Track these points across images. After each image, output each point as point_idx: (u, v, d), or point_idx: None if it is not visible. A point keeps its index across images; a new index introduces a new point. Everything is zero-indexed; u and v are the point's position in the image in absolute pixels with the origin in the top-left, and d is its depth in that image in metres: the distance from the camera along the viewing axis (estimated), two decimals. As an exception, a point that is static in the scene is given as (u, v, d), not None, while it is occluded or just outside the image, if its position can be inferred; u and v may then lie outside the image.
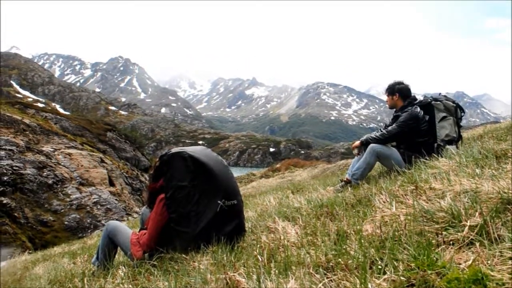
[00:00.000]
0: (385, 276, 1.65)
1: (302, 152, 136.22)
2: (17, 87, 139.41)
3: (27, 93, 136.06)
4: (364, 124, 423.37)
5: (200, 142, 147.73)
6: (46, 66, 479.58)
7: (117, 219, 20.91)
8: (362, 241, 2.13)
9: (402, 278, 1.61)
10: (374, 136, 5.33)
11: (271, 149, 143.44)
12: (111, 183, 26.23)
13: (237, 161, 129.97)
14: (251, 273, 1.96)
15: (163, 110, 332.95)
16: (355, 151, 5.60)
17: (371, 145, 5.20)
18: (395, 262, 1.76)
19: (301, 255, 2.10)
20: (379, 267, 1.74)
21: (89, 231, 19.43)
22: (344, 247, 2.06)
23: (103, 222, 20.60)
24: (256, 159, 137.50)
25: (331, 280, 1.70)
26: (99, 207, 21.93)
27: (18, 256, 12.48)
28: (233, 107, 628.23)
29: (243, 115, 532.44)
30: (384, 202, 2.99)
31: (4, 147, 21.67)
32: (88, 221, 20.20)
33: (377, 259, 1.83)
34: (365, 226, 2.45)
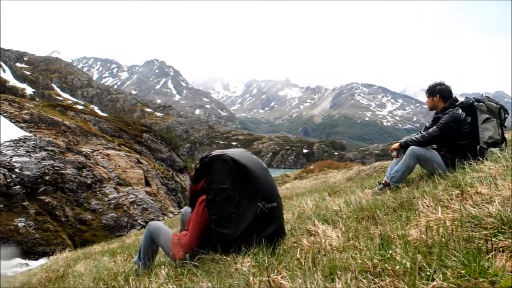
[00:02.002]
0: (434, 283, 1.61)
1: (336, 153, 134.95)
2: (58, 90, 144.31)
3: (67, 96, 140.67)
4: (400, 125, 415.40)
5: (234, 143, 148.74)
6: (85, 69, 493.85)
7: (152, 219, 21.32)
8: (408, 246, 2.09)
9: (452, 285, 1.57)
10: (414, 138, 5.21)
11: (305, 151, 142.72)
12: (147, 183, 26.74)
13: (270, 162, 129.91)
14: (294, 276, 1.95)
15: (197, 111, 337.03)
16: (394, 153, 5.49)
17: (411, 147, 5.09)
18: (443, 269, 1.71)
19: (344, 259, 2.08)
20: (428, 273, 1.70)
21: (126, 230, 19.85)
22: (390, 252, 2.02)
23: (139, 221, 21.03)
24: (289, 160, 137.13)
25: (378, 286, 1.67)
26: (135, 206, 22.40)
27: (59, 253, 12.85)
28: (266, 108, 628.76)
29: (276, 117, 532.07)
30: (428, 206, 2.92)
31: (46, 148, 22.45)
32: (125, 220, 20.65)
33: (425, 265, 1.78)
34: (409, 230, 2.40)
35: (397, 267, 1.80)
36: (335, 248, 2.42)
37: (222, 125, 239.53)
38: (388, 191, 4.69)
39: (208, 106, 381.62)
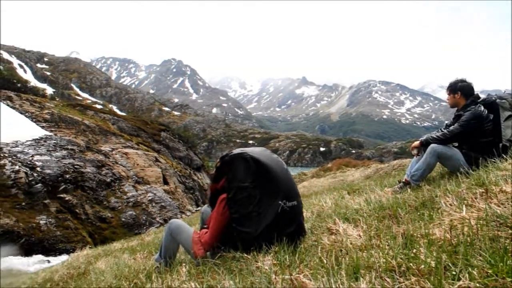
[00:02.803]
0: (460, 283, 1.58)
1: (353, 151, 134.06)
2: (77, 89, 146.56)
3: (86, 95, 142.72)
4: (418, 123, 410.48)
5: (250, 142, 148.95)
6: (103, 69, 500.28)
7: (171, 217, 21.49)
8: (432, 245, 2.06)
9: (478, 285, 1.54)
10: (435, 136, 5.13)
11: (322, 149, 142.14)
12: (165, 182, 26.95)
13: (287, 161, 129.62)
14: (317, 275, 1.94)
15: (214, 110, 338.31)
16: (414, 152, 5.42)
17: (432, 145, 5.01)
18: (469, 268, 1.68)
19: (367, 258, 2.06)
20: (453, 273, 1.67)
21: (144, 228, 20.03)
22: (414, 251, 1.99)
23: (157, 219, 21.22)
24: (306, 158, 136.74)
25: (403, 285, 1.65)
26: (154, 204, 22.60)
27: (79, 250, 13.03)
28: (283, 106, 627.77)
29: (293, 115, 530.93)
30: (451, 205, 2.87)
31: (66, 146, 22.80)
32: (144, 218, 20.85)
33: (450, 264, 1.76)
34: (433, 229, 2.37)
35: (422, 266, 1.77)
36: (357, 247, 2.40)
37: (239, 123, 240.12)
38: (408, 190, 4.63)
39: (225, 105, 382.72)
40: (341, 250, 2.37)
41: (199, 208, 26.46)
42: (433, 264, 1.79)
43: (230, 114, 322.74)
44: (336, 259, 2.13)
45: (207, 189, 35.85)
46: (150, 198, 22.88)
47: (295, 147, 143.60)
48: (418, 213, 2.96)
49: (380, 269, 1.83)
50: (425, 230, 2.37)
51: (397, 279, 1.73)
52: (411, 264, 1.82)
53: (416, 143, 5.37)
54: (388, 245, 2.27)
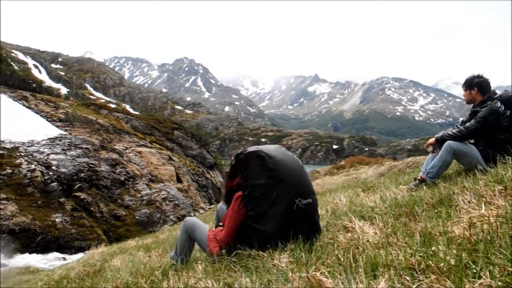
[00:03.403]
0: (481, 281, 1.56)
1: (366, 149, 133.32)
2: (91, 89, 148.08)
3: (100, 95, 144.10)
4: (432, 120, 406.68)
5: (263, 139, 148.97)
6: (116, 68, 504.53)
7: (184, 215, 21.60)
8: (451, 243, 2.03)
9: (499, 283, 1.52)
10: (451, 133, 5.06)
11: (334, 146, 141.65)
12: (179, 180, 27.08)
13: (300, 158, 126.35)
14: (335, 273, 1.93)
15: (226, 108, 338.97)
16: (430, 149, 5.36)
17: (448, 142, 4.94)
18: (490, 266, 1.66)
19: (385, 256, 2.04)
20: (474, 271, 1.65)
21: (158, 225, 20.16)
22: (432, 249, 1.97)
23: (171, 217, 21.34)
24: (319, 156, 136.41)
25: (423, 283, 1.63)
26: (167, 202, 22.72)
27: (95, 248, 13.16)
28: (296, 104, 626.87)
29: (306, 112, 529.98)
30: (469, 202, 2.83)
31: (80, 145, 23.04)
32: (158, 216, 20.98)
33: (470, 262, 1.73)
34: (451, 227, 2.34)
35: (441, 264, 1.75)
36: (374, 245, 2.38)
37: (251, 121, 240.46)
38: (424, 187, 4.59)
39: (237, 103, 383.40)
40: (357, 248, 2.36)
41: (212, 206, 26.56)
42: (452, 262, 1.76)
43: (242, 112, 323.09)
44: (353, 256, 2.11)
45: (220, 187, 35.98)
46: (163, 196, 23.02)
47: (308, 144, 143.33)
48: (435, 211, 2.92)
49: (399, 267, 1.82)
50: (443, 227, 2.34)
51: (417, 277, 1.71)
52: (430, 262, 1.79)
53: (432, 140, 5.30)
54: (405, 243, 2.25)
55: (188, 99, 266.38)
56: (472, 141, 5.16)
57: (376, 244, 2.38)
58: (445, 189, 3.69)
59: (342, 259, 2.14)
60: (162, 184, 24.54)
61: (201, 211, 24.09)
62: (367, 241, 2.49)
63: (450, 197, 3.24)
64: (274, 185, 2.82)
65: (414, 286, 1.61)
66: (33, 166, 18.40)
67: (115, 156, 24.28)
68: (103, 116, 35.36)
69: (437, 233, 2.30)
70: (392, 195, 4.45)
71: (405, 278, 1.69)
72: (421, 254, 1.92)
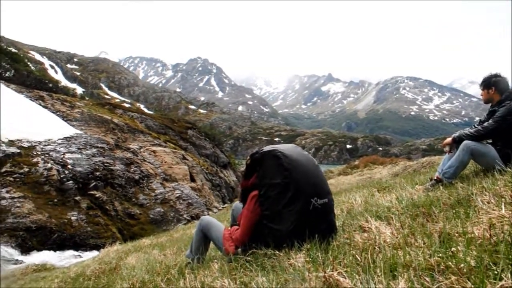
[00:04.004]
0: (502, 283, 1.53)
1: (380, 148, 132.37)
2: (106, 89, 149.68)
3: (114, 94, 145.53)
4: (447, 119, 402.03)
5: (276, 139, 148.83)
6: (131, 68, 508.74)
7: (197, 214, 21.70)
8: (471, 244, 2.00)
9: (522, 285, 1.49)
10: (468, 133, 4.98)
11: (348, 146, 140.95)
12: (192, 179, 27.19)
13: (313, 158, 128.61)
14: (352, 273, 1.91)
15: (240, 108, 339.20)
16: (447, 148, 5.28)
17: (465, 142, 4.87)
18: (511, 268, 1.63)
19: (403, 256, 2.02)
20: (495, 272, 1.62)
21: (172, 224, 20.27)
22: (452, 249, 1.94)
23: (185, 216, 21.44)
24: (332, 156, 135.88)
25: (443, 284, 1.61)
26: (181, 201, 22.84)
27: (109, 246, 13.27)
28: (309, 103, 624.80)
29: (319, 112, 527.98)
30: (488, 203, 2.79)
31: (96, 145, 23.26)
32: (172, 215, 21.10)
33: (491, 263, 1.70)
34: (470, 228, 2.30)
35: (462, 265, 1.73)
36: (391, 245, 2.36)
37: (265, 121, 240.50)
38: (440, 187, 4.53)
39: (250, 103, 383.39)
40: (374, 248, 2.33)
41: (225, 205, 26.62)
42: (473, 263, 1.74)
43: (255, 112, 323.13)
44: (371, 257, 2.09)
45: (234, 187, 36.04)
46: (177, 195, 23.14)
47: (321, 144, 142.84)
48: (453, 211, 2.88)
49: (418, 268, 1.79)
50: (462, 228, 2.31)
51: (436, 278, 1.69)
52: (449, 263, 1.77)
53: (449, 139, 5.23)
54: (423, 244, 2.22)
55: (202, 98, 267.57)
56: (490, 141, 5.08)
57: (393, 245, 2.35)
58: (463, 189, 3.63)
59: (359, 259, 2.12)
60: (176, 183, 24.67)
61: (215, 210, 24.16)
62: (384, 241, 2.47)
63: (468, 197, 3.19)
64: (290, 185, 2.81)
65: (434, 287, 1.59)
66: (49, 165, 18.64)
67: (129, 155, 24.48)
68: (118, 116, 35.68)
69: (456, 234, 2.27)
70: (408, 195, 4.40)
71: (425, 279, 1.67)
72: (440, 255, 1.90)
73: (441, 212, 3.00)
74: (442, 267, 1.76)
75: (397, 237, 2.53)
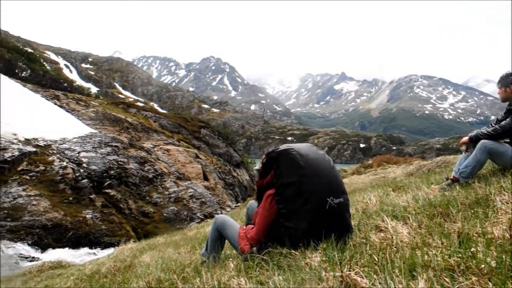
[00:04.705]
0: (524, 284, 1.51)
1: (394, 148, 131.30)
2: (120, 88, 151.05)
3: (128, 94, 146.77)
4: (462, 118, 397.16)
5: (289, 138, 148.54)
6: (144, 68, 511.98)
7: (211, 213, 21.76)
8: (491, 244, 1.97)
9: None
10: (485, 132, 4.91)
11: (361, 145, 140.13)
12: (205, 178, 27.29)
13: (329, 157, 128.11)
14: (370, 272, 1.90)
15: (252, 107, 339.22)
16: (463, 148, 5.21)
17: (482, 141, 4.79)
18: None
19: (420, 256, 2.00)
20: (516, 273, 1.59)
21: (185, 223, 20.36)
22: (471, 250, 1.91)
23: (198, 214, 21.51)
24: (345, 155, 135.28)
25: (464, 285, 1.59)
26: (194, 200, 22.93)
27: (124, 244, 13.37)
28: (322, 102, 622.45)
29: (332, 111, 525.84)
30: (507, 203, 2.75)
31: (110, 143, 23.48)
32: (185, 213, 21.19)
33: (512, 264, 1.67)
34: (489, 228, 2.27)
35: (482, 265, 1.70)
36: (408, 245, 2.33)
37: (278, 120, 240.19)
38: (457, 187, 4.47)
39: (263, 102, 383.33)
40: (391, 248, 2.31)
41: (238, 204, 26.65)
42: (493, 264, 1.71)
43: (268, 111, 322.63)
44: (389, 256, 2.07)
45: (246, 185, 36.07)
46: (190, 194, 23.24)
47: (334, 143, 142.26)
48: (472, 211, 2.84)
49: (438, 268, 1.77)
50: (481, 228, 2.27)
51: (457, 278, 1.66)
52: (470, 263, 1.74)
53: (465, 138, 5.15)
54: (441, 244, 2.20)
55: (215, 97, 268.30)
56: (508, 140, 5.00)
57: (410, 244, 2.33)
58: (481, 189, 3.58)
59: (376, 259, 2.10)
60: (189, 182, 24.78)
61: (228, 209, 24.21)
62: (401, 241, 2.44)
63: (486, 197, 3.15)
64: (306, 184, 2.80)
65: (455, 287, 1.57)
66: (64, 163, 18.87)
67: (143, 154, 24.65)
68: (132, 115, 35.96)
69: (475, 234, 2.24)
70: (424, 195, 4.35)
71: (444, 279, 1.65)
72: (459, 255, 1.87)
73: (459, 212, 2.96)
74: (462, 268, 1.73)
75: (414, 237, 2.50)
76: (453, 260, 1.80)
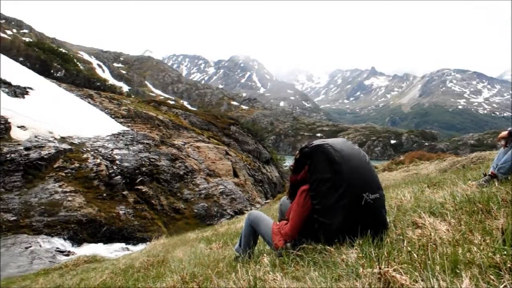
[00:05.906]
0: None
1: (426, 144, 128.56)
2: (151, 86, 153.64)
3: (159, 92, 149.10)
4: (497, 113, 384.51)
5: (318, 134, 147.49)
6: (174, 66, 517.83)
7: (241, 209, 21.85)
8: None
9: None
10: (526, 125, 4.73)
11: (392, 141, 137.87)
12: (235, 175, 27.41)
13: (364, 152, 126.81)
14: (409, 269, 1.85)
15: (281, 103, 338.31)
16: (502, 142, 5.03)
17: (523, 135, 4.63)
18: None
19: (462, 253, 1.93)
20: None
21: (216, 219, 20.52)
22: (517, 247, 1.84)
23: (228, 211, 21.65)
24: (376, 151, 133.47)
25: (510, 283, 1.52)
26: (224, 196, 23.09)
27: (156, 239, 13.57)
28: (352, 98, 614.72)
29: (362, 107, 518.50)
30: (551, 199, 2.63)
31: (142, 141, 23.88)
32: (215, 209, 21.36)
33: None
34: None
35: (529, 264, 1.63)
36: (448, 242, 2.26)
37: (307, 116, 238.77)
38: (495, 183, 4.32)
39: (292, 98, 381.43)
40: (430, 245, 2.25)
41: (268, 200, 26.65)
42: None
43: (297, 107, 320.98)
44: (430, 253, 2.01)
45: (276, 182, 36.03)
46: (221, 190, 23.41)
47: (365, 139, 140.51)
48: (514, 207, 2.74)
49: (483, 265, 1.71)
50: (526, 225, 2.18)
51: (503, 276, 1.60)
52: (517, 261, 1.67)
53: (504, 133, 4.97)
54: (484, 241, 2.12)
55: (244, 94, 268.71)
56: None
57: (450, 241, 2.26)
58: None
59: (415, 255, 2.05)
60: (219, 179, 24.95)
61: (257, 205, 24.25)
62: (440, 238, 2.38)
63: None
64: (341, 179, 2.76)
65: (502, 286, 1.51)
66: (98, 161, 19.32)
67: (174, 151, 24.97)
68: (162, 113, 36.47)
69: (518, 231, 2.15)
70: (462, 191, 4.23)
71: (490, 277, 1.59)
72: (504, 252, 1.80)
73: (501, 208, 2.85)
74: (508, 265, 1.67)
75: (454, 234, 2.43)
76: (499, 257, 1.73)
